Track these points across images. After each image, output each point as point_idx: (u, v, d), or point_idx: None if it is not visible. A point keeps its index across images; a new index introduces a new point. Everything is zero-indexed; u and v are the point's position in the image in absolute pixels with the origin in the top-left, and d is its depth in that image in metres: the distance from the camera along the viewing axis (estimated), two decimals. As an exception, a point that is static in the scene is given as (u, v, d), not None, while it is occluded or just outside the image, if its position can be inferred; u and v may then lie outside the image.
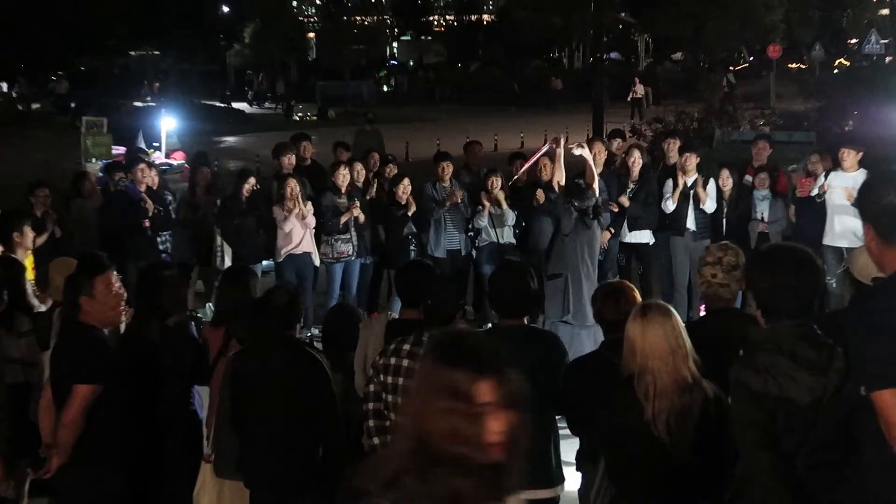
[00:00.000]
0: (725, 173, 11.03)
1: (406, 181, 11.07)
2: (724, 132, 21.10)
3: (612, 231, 11.02)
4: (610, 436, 4.38)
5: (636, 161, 11.15)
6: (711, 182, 11.00)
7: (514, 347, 5.15)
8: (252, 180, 11.08)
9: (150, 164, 11.87)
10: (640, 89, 39.20)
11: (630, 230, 11.23)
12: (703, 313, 5.57)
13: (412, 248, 11.04)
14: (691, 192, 10.96)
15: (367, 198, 11.24)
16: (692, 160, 11.06)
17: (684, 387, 4.17)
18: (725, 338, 4.27)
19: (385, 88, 56.18)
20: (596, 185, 9.29)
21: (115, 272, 5.42)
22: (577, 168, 10.00)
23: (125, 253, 10.53)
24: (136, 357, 5.50)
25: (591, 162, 9.42)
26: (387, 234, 11.21)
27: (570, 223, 8.94)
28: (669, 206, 11.02)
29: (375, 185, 11.47)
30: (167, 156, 23.64)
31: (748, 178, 11.25)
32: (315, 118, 43.28)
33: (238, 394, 5.27)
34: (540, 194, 10.88)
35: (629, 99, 38.29)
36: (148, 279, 5.91)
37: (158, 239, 11.23)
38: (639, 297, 5.04)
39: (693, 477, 4.16)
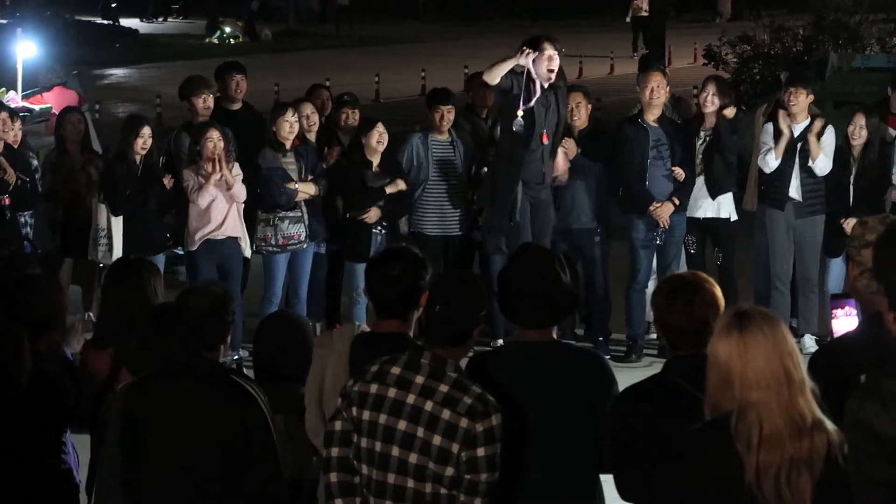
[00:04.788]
0: (861, 120, 11.05)
1: (380, 129, 11.10)
2: (843, 56, 21.00)
3: (676, 202, 11.04)
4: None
5: (711, 100, 11.19)
6: (830, 131, 11.05)
7: (536, 374, 5.15)
8: (146, 131, 11.08)
9: (13, 113, 11.87)
10: (643, 2, 35.27)
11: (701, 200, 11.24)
12: (835, 323, 5.57)
13: (381, 228, 11.12)
14: (798, 145, 11.01)
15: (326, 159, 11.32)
16: (801, 97, 11.08)
17: (802, 430, 4.19)
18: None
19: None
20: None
21: None
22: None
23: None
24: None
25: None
26: (346, 208, 11.23)
27: None
28: (770, 162, 11.08)
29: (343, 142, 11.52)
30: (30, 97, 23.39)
31: (892, 132, 11.29)
32: (239, 39, 42.87)
33: (132, 444, 5.25)
34: (570, 145, 10.97)
35: (628, 20, 36.34)
36: (4, 279, 5.91)
37: (20, 220, 11.25)
38: (721, 297, 5.02)
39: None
